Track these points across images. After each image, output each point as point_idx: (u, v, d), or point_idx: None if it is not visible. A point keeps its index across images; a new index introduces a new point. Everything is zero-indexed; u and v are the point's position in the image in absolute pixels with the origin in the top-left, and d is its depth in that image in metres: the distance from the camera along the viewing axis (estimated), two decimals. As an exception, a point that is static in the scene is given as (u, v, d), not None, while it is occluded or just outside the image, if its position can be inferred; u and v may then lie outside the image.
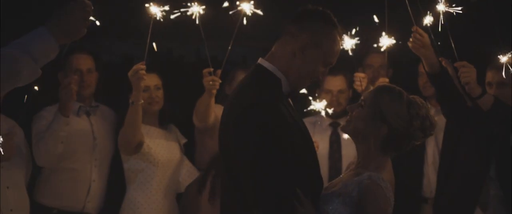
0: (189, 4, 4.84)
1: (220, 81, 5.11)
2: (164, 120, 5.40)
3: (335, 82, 5.68)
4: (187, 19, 4.85)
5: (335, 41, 3.33)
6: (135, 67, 4.81)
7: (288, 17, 3.36)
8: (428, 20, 4.74)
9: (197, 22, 4.85)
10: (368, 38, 5.35)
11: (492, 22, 4.62)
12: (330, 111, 5.57)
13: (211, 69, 5.06)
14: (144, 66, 4.81)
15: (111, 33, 5.33)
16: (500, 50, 4.68)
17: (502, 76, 4.83)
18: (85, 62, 5.24)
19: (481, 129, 4.90)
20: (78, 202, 5.16)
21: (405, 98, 3.33)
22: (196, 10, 4.85)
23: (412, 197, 5.57)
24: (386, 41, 5.14)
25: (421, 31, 4.69)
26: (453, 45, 4.75)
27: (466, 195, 4.99)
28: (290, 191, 3.09)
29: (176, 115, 5.64)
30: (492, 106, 4.74)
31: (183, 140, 5.45)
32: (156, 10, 4.74)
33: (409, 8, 4.70)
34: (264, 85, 3.26)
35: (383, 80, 5.37)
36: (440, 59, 5.15)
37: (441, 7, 4.67)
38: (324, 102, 5.52)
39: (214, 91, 5.07)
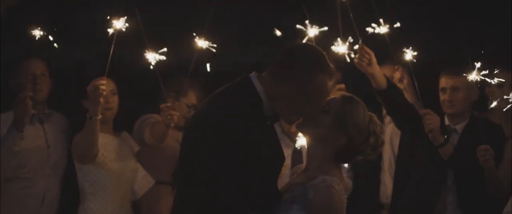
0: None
1: (178, 114, 5.11)
2: (118, 127, 5.35)
3: None
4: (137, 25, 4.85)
5: (321, 87, 3.29)
6: (95, 82, 4.77)
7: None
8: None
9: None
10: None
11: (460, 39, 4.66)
12: None
13: (169, 104, 5.06)
14: (105, 82, 4.78)
15: (63, 39, 5.27)
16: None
17: (455, 81, 4.93)
18: (38, 66, 5.18)
19: None
20: (32, 212, 5.08)
21: (368, 114, 3.38)
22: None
23: (369, 203, 5.60)
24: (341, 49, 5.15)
25: (367, 48, 4.67)
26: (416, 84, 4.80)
27: (423, 202, 5.01)
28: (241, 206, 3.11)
29: (129, 122, 5.59)
30: (451, 156, 4.83)
31: (136, 148, 5.40)
32: (119, 25, 4.78)
33: (354, 23, 4.70)
34: (244, 102, 3.23)
35: (340, 87, 5.37)
36: (396, 68, 5.21)
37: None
38: None
39: (172, 125, 5.08)
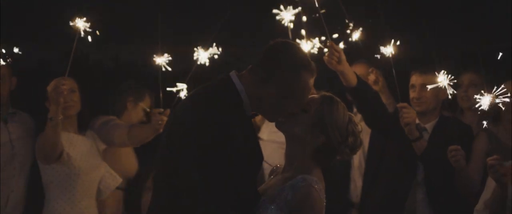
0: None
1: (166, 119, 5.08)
2: (82, 126, 5.31)
3: None
4: (105, 24, 4.80)
5: (305, 85, 3.28)
6: (55, 82, 4.70)
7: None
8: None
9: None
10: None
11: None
12: None
13: (162, 110, 5.07)
14: (65, 82, 4.72)
15: (27, 38, 5.21)
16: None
17: (424, 79, 4.93)
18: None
19: (405, 138, 4.92)
20: (-4, 213, 4.98)
21: (347, 114, 3.37)
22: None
23: (339, 201, 5.60)
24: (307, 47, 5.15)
25: (336, 46, 4.66)
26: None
27: (393, 201, 5.01)
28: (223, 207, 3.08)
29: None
30: (423, 152, 4.85)
31: (103, 146, 5.37)
32: (82, 25, 4.72)
33: (323, 22, 4.69)
34: (225, 102, 3.20)
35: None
36: (370, 70, 5.20)
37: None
38: None
39: (161, 130, 5.06)
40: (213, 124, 3.09)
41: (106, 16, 4.88)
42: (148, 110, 5.56)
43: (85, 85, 5.32)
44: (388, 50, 4.73)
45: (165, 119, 5.01)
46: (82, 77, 5.36)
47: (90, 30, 4.72)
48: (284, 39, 3.34)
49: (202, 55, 5.12)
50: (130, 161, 5.62)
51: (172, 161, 3.16)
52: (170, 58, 5.05)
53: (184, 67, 5.18)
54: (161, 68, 5.07)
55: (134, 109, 5.63)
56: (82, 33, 4.73)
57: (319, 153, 3.32)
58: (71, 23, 4.72)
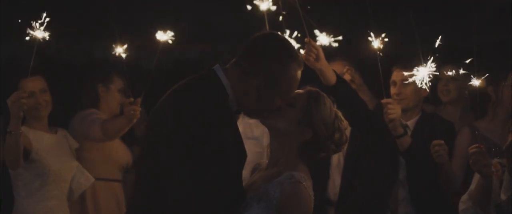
0: None
1: (140, 109, 5.04)
2: (53, 125, 5.24)
3: None
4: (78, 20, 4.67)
5: (293, 77, 3.20)
6: (15, 95, 4.59)
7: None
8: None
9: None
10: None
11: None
12: None
13: (132, 99, 5.00)
14: (26, 94, 4.64)
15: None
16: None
17: (405, 75, 4.82)
18: None
19: (387, 135, 4.87)
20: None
21: (334, 110, 3.33)
22: None
23: (317, 199, 5.50)
24: None
25: (314, 43, 4.59)
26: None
27: (374, 199, 4.96)
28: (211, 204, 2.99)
29: (65, 119, 5.53)
30: (407, 149, 4.80)
31: (75, 145, 5.30)
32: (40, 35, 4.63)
33: (303, 19, 4.61)
34: (210, 97, 3.10)
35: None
36: (345, 70, 5.11)
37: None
38: None
39: (135, 120, 5.02)
40: (200, 119, 3.00)
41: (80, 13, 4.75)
42: (120, 89, 5.53)
43: (58, 83, 5.30)
44: (375, 44, 4.66)
45: (137, 108, 4.94)
46: (54, 75, 5.35)
47: (48, 36, 4.64)
48: (271, 31, 3.26)
49: (162, 37, 4.95)
50: (121, 152, 5.58)
51: (157, 161, 3.06)
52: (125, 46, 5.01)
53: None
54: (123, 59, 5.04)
55: (108, 93, 5.54)
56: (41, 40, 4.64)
57: (304, 149, 3.25)
58: (30, 33, 4.63)
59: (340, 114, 3.35)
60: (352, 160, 5.09)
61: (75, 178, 5.17)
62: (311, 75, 4.93)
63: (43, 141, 5.05)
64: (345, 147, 5.10)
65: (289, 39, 4.77)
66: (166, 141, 3.04)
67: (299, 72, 3.22)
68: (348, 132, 3.43)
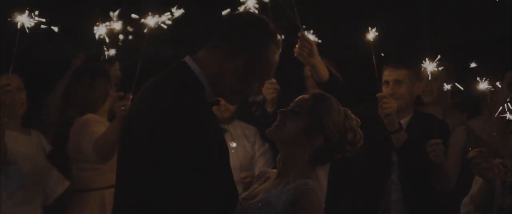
0: None
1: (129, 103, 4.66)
2: (27, 125, 5.12)
3: None
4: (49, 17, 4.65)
5: (272, 58, 3.08)
6: None
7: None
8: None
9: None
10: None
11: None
12: None
13: (122, 93, 4.65)
14: (10, 87, 4.64)
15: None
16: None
17: (398, 74, 4.90)
18: None
19: (379, 133, 4.81)
20: None
21: (342, 109, 3.26)
22: None
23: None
24: None
25: (308, 38, 4.56)
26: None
27: (365, 201, 4.95)
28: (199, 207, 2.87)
29: (40, 119, 5.51)
30: (402, 145, 4.76)
31: (49, 147, 5.16)
32: (24, 20, 4.48)
33: (296, 12, 4.55)
34: (184, 90, 2.95)
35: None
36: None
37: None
38: None
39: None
40: (176, 115, 2.86)
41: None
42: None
43: (32, 81, 5.16)
44: (371, 35, 4.64)
45: (127, 103, 4.53)
46: (27, 74, 5.16)
47: (34, 22, 4.51)
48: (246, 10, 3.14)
49: (151, 22, 4.73)
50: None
51: (136, 164, 2.93)
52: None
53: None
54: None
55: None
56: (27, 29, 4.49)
57: (317, 156, 3.18)
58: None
59: (349, 112, 3.28)
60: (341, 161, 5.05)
61: (49, 181, 5.05)
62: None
63: (16, 142, 4.91)
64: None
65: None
66: (142, 143, 2.90)
67: (277, 54, 3.10)
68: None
